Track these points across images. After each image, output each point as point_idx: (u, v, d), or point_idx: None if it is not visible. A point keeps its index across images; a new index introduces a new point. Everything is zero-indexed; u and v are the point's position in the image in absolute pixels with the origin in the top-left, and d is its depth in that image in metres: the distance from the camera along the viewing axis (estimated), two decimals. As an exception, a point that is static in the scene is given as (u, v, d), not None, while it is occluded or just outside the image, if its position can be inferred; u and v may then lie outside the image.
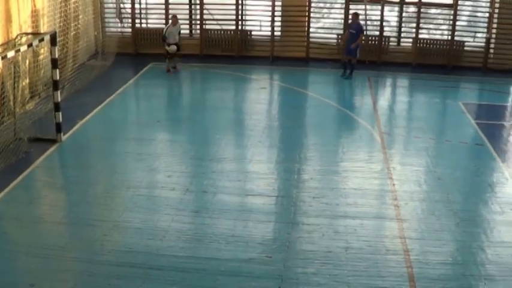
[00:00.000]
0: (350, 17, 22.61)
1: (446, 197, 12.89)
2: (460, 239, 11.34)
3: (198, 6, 24.40)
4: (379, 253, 10.61)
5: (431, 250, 10.79)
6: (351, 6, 23.79)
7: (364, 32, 22.59)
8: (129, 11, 24.66)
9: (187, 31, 24.87)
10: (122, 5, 24.81)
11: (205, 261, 10.16)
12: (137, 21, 24.93)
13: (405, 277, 9.93)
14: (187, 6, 24.81)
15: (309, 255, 10.42)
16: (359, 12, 22.51)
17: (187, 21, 24.93)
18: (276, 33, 24.27)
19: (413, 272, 10.08)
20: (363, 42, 22.97)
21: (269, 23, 24.12)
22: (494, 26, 24.10)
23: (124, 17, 24.90)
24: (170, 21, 22.10)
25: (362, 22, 22.55)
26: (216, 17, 24.40)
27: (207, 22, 24.41)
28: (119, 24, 25.00)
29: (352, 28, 21.76)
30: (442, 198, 12.85)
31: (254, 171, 13.91)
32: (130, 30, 24.74)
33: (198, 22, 24.54)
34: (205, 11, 24.33)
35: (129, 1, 24.55)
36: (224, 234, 10.98)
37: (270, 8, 23.92)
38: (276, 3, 23.93)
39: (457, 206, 12.59)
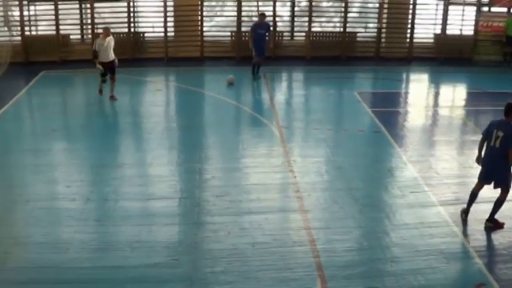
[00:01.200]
0: (257, 17, 22.24)
1: (348, 185, 13.07)
2: (364, 225, 11.52)
3: (88, 11, 23.92)
4: (285, 246, 10.63)
5: (337, 238, 10.90)
6: (243, 4, 23.90)
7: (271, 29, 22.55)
8: (18, 18, 23.85)
9: (79, 36, 24.39)
10: (9, 13, 23.98)
11: (111, 270, 9.90)
12: (26, 28, 24.18)
13: (313, 267, 9.99)
14: (78, 11, 24.27)
15: (216, 254, 10.32)
16: (266, 12, 22.52)
17: (78, 26, 24.42)
18: (169, 34, 24.07)
19: (321, 261, 10.14)
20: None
21: (162, 24, 23.87)
22: (385, 16, 24.72)
23: (13, 25, 24.09)
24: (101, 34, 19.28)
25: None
26: (107, 20, 23.96)
27: (98, 26, 23.94)
28: (7, 33, 24.16)
29: (261, 28, 21.46)
30: (343, 186, 13.03)
31: (155, 175, 13.70)
32: (20, 38, 23.94)
33: (90, 27, 24.06)
34: (96, 15, 23.85)
35: (17, 8, 23.73)
36: (129, 240, 10.72)
37: (162, 9, 23.68)
38: (168, 3, 23.75)
39: (359, 193, 12.79)
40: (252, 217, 11.58)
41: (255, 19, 22.69)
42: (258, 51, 21.32)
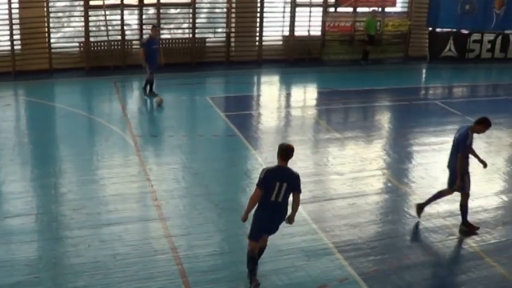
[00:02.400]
0: (150, 32, 20.71)
1: (206, 190, 13.14)
2: (225, 229, 11.63)
3: None
4: (147, 255, 10.54)
5: (198, 244, 10.94)
6: (90, 13, 23.41)
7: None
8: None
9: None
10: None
11: (-31, 294, 9.47)
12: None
13: (176, 274, 9.97)
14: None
15: (78, 269, 10.07)
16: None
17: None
18: (16, 47, 23.12)
19: (184, 268, 10.15)
20: (106, 47, 22.75)
21: (8, 37, 22.87)
22: (233, 20, 24.99)
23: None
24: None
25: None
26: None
27: None
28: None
29: (155, 44, 20.14)
30: (201, 192, 13.08)
31: (9, 192, 13.13)
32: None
33: None
34: None
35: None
36: (-14, 261, 10.29)
37: (8, 22, 22.68)
38: (13, 15, 22.70)
39: (217, 197, 12.88)
40: (111, 228, 11.40)
41: (103, 28, 22.26)
42: (153, 67, 20.07)
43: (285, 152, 9.61)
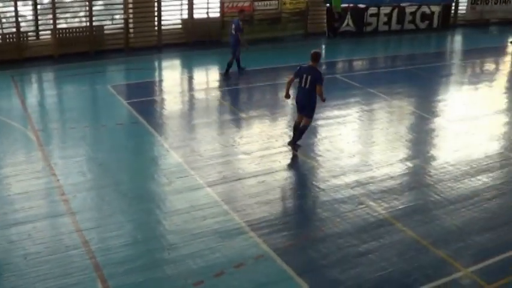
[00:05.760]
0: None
1: (113, 181, 12.97)
2: (136, 218, 11.51)
3: None
4: (59, 252, 10.31)
5: (110, 235, 10.80)
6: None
7: None
8: None
9: None
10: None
11: None
12: None
13: (91, 268, 9.82)
14: None
15: (-13, 273, 9.80)
16: None
17: None
18: None
19: (98, 261, 10.00)
20: (1, 41, 22.06)
21: None
22: (130, 6, 24.62)
23: None
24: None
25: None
26: None
27: None
28: None
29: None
30: (108, 182, 12.90)
31: None
32: None
33: None
34: None
35: None
36: None
37: None
38: None
39: (125, 186, 12.75)
40: (19, 228, 11.08)
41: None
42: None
43: (313, 55, 14.45)
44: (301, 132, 14.82)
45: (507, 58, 27.84)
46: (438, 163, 14.52)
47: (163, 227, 11.09)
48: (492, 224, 11.76)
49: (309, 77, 14.26)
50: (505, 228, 11.63)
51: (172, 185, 12.77)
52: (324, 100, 14.56)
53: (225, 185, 12.84)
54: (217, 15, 26.18)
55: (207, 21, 26.14)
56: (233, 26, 21.51)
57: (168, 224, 11.20)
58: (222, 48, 24.39)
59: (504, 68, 25.74)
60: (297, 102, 14.82)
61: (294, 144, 14.88)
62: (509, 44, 29.00)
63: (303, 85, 14.39)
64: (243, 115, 17.33)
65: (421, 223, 11.65)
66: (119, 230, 10.98)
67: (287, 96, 15.09)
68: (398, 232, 11.28)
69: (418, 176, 13.81)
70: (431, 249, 10.77)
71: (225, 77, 21.48)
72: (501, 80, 23.52)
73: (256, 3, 26.42)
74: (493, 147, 15.71)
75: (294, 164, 14.32)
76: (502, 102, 20.25)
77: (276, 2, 26.85)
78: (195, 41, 25.68)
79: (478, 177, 13.71)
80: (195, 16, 25.98)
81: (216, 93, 19.96)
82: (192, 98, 19.70)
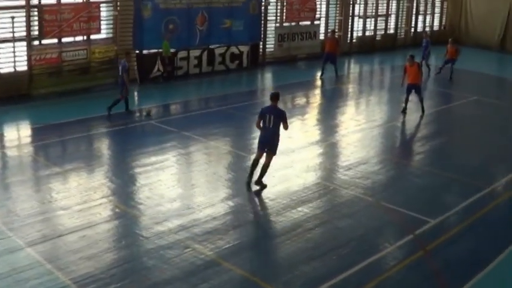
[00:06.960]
0: None
1: None
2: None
3: None
4: None
5: None
6: None
7: None
8: None
9: None
10: None
11: None
12: None
13: None
14: None
15: None
16: None
17: None
18: None
19: None
20: None
21: None
22: None
23: None
24: None
25: None
26: None
27: None
28: None
29: None
30: None
31: None
32: None
33: None
34: None
35: None
36: None
37: None
38: None
39: None
40: None
41: None
42: None
43: (272, 96, 15.55)
44: (265, 168, 15.44)
45: (316, 91, 29.21)
46: (259, 199, 14.90)
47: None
48: (317, 252, 12.25)
49: (272, 116, 15.18)
50: (329, 255, 12.13)
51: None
52: (286, 128, 15.50)
53: (45, 243, 12.40)
54: (25, 68, 25.29)
55: (15, 75, 25.12)
56: (120, 68, 22.63)
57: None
58: (32, 102, 23.68)
59: (314, 101, 26.98)
60: (260, 142, 15.52)
61: (260, 182, 15.53)
62: (319, 78, 30.46)
63: (267, 125, 15.23)
64: (58, 169, 16.80)
65: (248, 260, 11.86)
66: None
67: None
68: (227, 271, 11.41)
69: (241, 214, 14.08)
70: (261, 284, 10.97)
71: (108, 112, 21.97)
72: (312, 113, 24.63)
73: (64, 54, 25.84)
74: (310, 178, 16.39)
75: (114, 215, 14.08)
76: (315, 133, 21.25)
77: (85, 51, 26.44)
78: (2, 96, 24.58)
79: (299, 209, 14.26)
80: (1, 71, 24.94)
81: (29, 149, 19.27)
82: (3, 156, 18.80)
